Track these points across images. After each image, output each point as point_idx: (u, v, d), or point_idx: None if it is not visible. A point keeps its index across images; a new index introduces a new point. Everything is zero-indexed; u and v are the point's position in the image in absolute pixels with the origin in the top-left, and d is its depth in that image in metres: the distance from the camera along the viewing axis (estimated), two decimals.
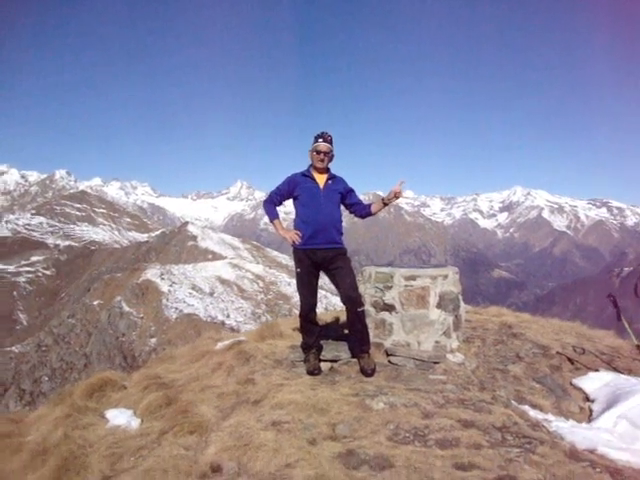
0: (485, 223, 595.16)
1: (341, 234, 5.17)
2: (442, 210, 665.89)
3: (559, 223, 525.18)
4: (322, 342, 5.52)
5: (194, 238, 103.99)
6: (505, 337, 6.33)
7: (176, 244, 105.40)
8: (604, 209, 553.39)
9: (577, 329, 7.61)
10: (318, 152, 5.08)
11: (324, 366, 5.14)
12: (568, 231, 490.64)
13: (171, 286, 56.41)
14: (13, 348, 63.80)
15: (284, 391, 4.33)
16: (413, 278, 5.37)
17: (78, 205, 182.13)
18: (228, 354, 5.90)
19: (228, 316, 52.43)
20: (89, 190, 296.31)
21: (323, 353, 5.30)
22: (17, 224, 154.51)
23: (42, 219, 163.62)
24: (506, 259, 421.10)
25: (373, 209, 5.33)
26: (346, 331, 6.50)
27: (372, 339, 5.28)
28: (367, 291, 5.68)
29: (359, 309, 4.94)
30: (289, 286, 62.53)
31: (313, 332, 5.25)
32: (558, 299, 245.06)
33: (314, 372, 4.97)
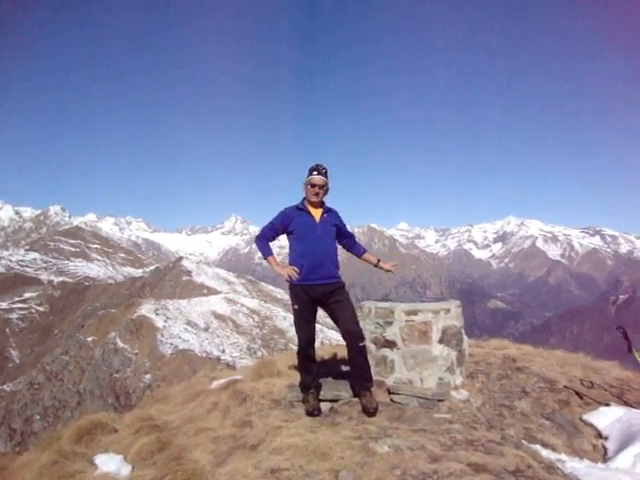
0: (479, 254, 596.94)
1: (338, 268, 5.02)
2: (436, 242, 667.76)
3: (553, 252, 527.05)
4: (321, 380, 5.31)
5: (189, 273, 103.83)
6: (509, 371, 6.14)
7: (171, 279, 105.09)
8: (597, 237, 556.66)
9: (581, 360, 7.42)
10: (313, 185, 4.92)
11: (324, 406, 4.92)
12: (562, 260, 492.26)
13: (166, 321, 56.03)
14: (4, 387, 62.74)
15: (283, 434, 4.09)
16: (414, 313, 5.18)
17: (72, 241, 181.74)
18: (224, 394, 5.70)
19: (223, 351, 51.94)
20: (83, 226, 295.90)
21: (322, 392, 5.09)
22: (10, 260, 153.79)
23: (36, 255, 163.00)
24: (501, 289, 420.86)
25: (364, 255, 5.39)
26: (345, 368, 6.29)
27: (373, 376, 5.05)
28: (367, 327, 5.47)
29: (360, 343, 4.76)
30: (284, 320, 62.25)
31: (312, 370, 5.05)
32: (555, 329, 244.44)
33: (314, 413, 4.77)
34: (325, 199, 5.14)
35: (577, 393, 5.40)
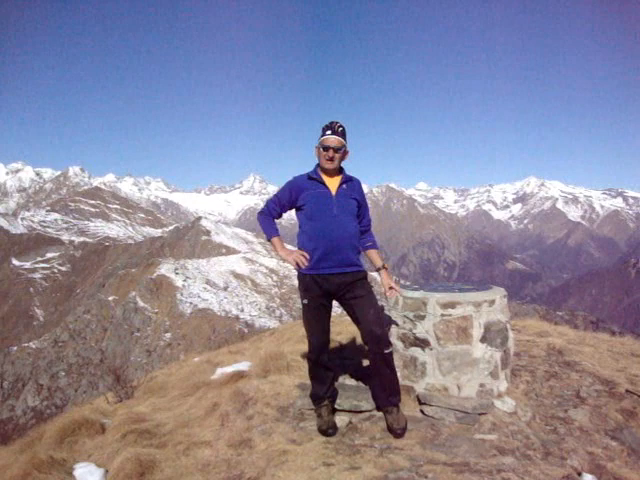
0: (499, 214, 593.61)
1: (359, 252, 4.01)
2: (455, 202, 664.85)
3: (574, 214, 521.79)
4: (337, 381, 4.44)
5: (208, 233, 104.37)
6: (557, 367, 5.24)
7: (190, 239, 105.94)
8: (619, 199, 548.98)
9: (631, 347, 6.58)
10: (326, 148, 3.85)
11: (340, 420, 4.01)
12: (583, 222, 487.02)
13: (185, 281, 56.57)
14: (30, 344, 64.12)
15: (288, 466, 3.20)
16: (452, 305, 4.19)
17: (92, 201, 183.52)
18: (225, 392, 4.91)
19: (242, 310, 52.34)
20: (103, 186, 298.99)
21: (338, 401, 4.18)
22: (32, 221, 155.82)
23: (57, 215, 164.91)
24: (520, 251, 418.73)
25: (370, 251, 4.18)
26: (366, 361, 5.46)
27: (400, 381, 4.12)
28: (393, 320, 4.58)
29: (386, 350, 3.80)
30: None
31: (326, 379, 4.10)
32: (573, 290, 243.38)
33: (327, 432, 3.83)
34: (345, 164, 4.09)
35: None
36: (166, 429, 4.43)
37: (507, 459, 3.28)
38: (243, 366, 5.87)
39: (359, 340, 6.29)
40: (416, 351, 4.34)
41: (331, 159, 3.87)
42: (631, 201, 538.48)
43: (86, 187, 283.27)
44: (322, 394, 4.08)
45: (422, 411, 4.10)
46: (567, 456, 3.49)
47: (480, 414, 3.94)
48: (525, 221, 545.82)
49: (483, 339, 4.21)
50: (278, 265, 69.78)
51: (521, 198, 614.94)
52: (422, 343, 4.29)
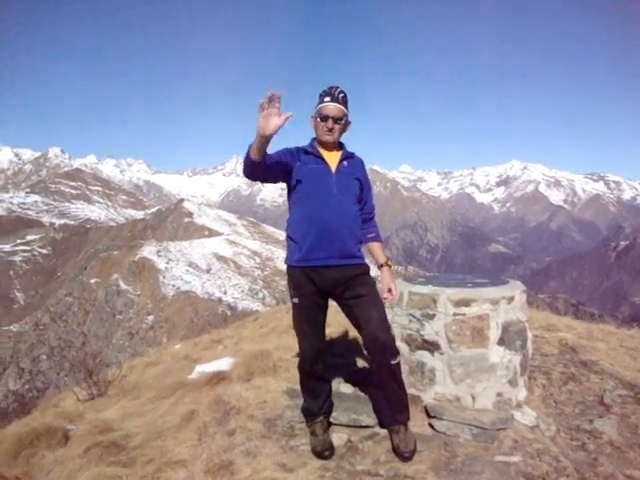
0: (482, 197, 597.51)
1: (360, 242, 3.31)
2: (439, 185, 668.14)
3: (556, 197, 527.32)
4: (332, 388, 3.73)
5: (190, 215, 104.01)
6: (573, 368, 4.71)
7: (172, 221, 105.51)
8: (601, 183, 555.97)
9: (638, 337, 6.13)
10: (324, 118, 3.15)
11: (338, 438, 3.39)
12: (565, 205, 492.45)
13: (168, 263, 56.30)
14: (11, 327, 63.50)
15: None
16: (466, 303, 3.58)
17: (73, 183, 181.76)
18: (203, 397, 4.34)
19: (225, 293, 52.11)
20: (84, 168, 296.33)
21: (334, 414, 3.56)
22: (12, 203, 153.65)
23: (37, 197, 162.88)
24: (502, 234, 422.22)
25: (373, 243, 3.48)
26: (362, 361, 4.91)
27: (406, 389, 3.44)
28: (396, 319, 3.90)
29: (393, 361, 3.16)
30: None
31: (320, 393, 3.47)
32: (554, 273, 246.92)
33: (323, 454, 3.19)
34: (344, 139, 3.37)
35: None
36: (136, 441, 3.87)
37: None
38: (224, 364, 5.31)
39: (353, 333, 5.72)
40: (424, 355, 3.73)
41: (330, 130, 3.18)
42: (612, 185, 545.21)
43: (67, 169, 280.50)
44: (316, 410, 3.46)
45: (432, 426, 3.50)
46: None
47: (499, 429, 3.39)
48: (508, 204, 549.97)
49: (501, 342, 3.62)
50: (261, 247, 69.54)
51: (504, 181, 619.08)
52: (431, 346, 3.67)
